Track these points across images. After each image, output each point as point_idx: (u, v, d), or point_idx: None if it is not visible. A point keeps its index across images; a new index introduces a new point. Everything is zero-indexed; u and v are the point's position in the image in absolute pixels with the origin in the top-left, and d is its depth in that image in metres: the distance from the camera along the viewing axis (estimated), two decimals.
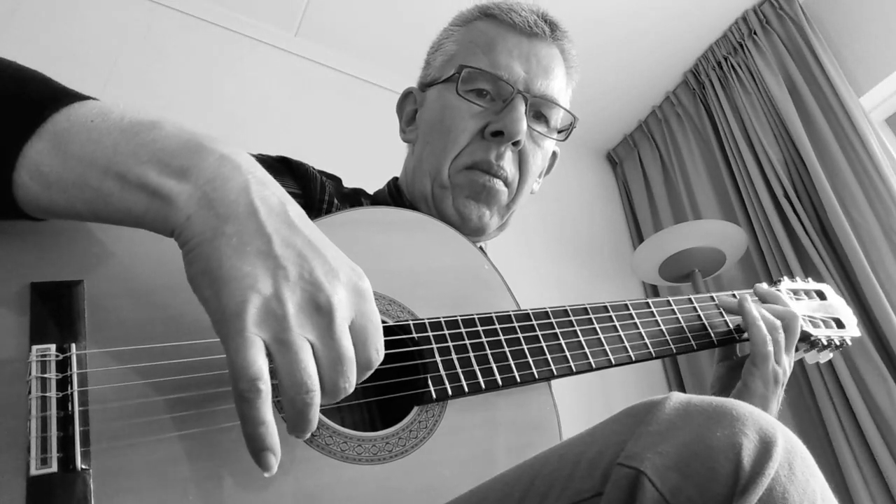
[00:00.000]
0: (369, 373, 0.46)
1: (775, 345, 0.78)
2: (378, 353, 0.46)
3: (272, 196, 0.45)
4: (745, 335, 0.82)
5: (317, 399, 0.41)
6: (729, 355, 0.88)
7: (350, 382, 0.44)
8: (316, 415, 0.42)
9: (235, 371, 0.39)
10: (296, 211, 0.46)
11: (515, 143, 0.80)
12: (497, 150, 0.80)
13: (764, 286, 0.90)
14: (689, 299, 0.84)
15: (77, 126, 0.44)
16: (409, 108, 0.92)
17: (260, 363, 0.39)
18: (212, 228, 0.42)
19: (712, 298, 0.86)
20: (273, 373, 0.41)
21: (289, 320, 0.41)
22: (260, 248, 0.42)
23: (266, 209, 0.44)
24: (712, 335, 0.81)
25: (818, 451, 2.00)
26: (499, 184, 0.81)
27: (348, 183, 0.89)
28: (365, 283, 0.46)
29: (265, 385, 0.39)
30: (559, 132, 0.89)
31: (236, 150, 0.47)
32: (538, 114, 0.85)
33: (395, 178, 0.95)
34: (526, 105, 0.80)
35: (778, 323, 0.80)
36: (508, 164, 0.81)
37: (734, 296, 0.86)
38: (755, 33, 2.49)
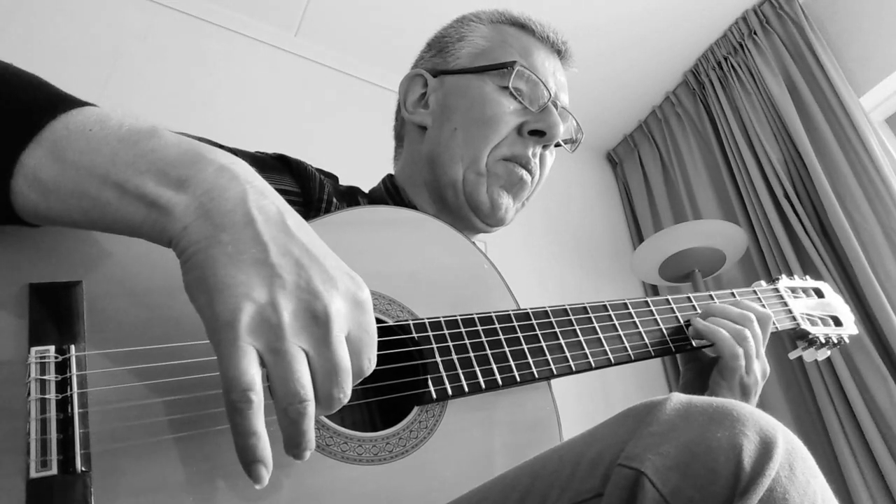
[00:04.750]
0: (358, 381, 0.46)
1: (746, 357, 0.76)
2: (370, 362, 0.46)
3: (270, 205, 0.45)
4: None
5: (311, 409, 0.40)
6: (696, 356, 0.85)
7: (345, 393, 0.43)
8: (311, 426, 0.41)
9: (227, 381, 0.38)
10: (294, 220, 0.46)
11: (545, 146, 0.86)
12: (533, 148, 0.85)
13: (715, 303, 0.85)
14: (688, 297, 0.84)
15: (75, 134, 0.44)
16: (418, 90, 0.92)
17: (252, 373, 0.39)
18: (207, 237, 0.41)
19: (711, 297, 0.86)
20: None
21: (284, 329, 0.40)
22: (256, 257, 0.41)
23: (263, 218, 0.43)
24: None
25: (818, 451, 2.00)
26: (529, 178, 0.86)
27: (347, 182, 0.89)
28: (364, 293, 0.46)
29: (257, 396, 0.39)
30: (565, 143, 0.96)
31: (235, 160, 0.47)
32: None
33: (391, 176, 0.95)
34: (557, 112, 0.85)
35: (746, 332, 0.77)
36: (537, 163, 0.87)
37: (711, 297, 0.85)
38: (755, 33, 2.49)
